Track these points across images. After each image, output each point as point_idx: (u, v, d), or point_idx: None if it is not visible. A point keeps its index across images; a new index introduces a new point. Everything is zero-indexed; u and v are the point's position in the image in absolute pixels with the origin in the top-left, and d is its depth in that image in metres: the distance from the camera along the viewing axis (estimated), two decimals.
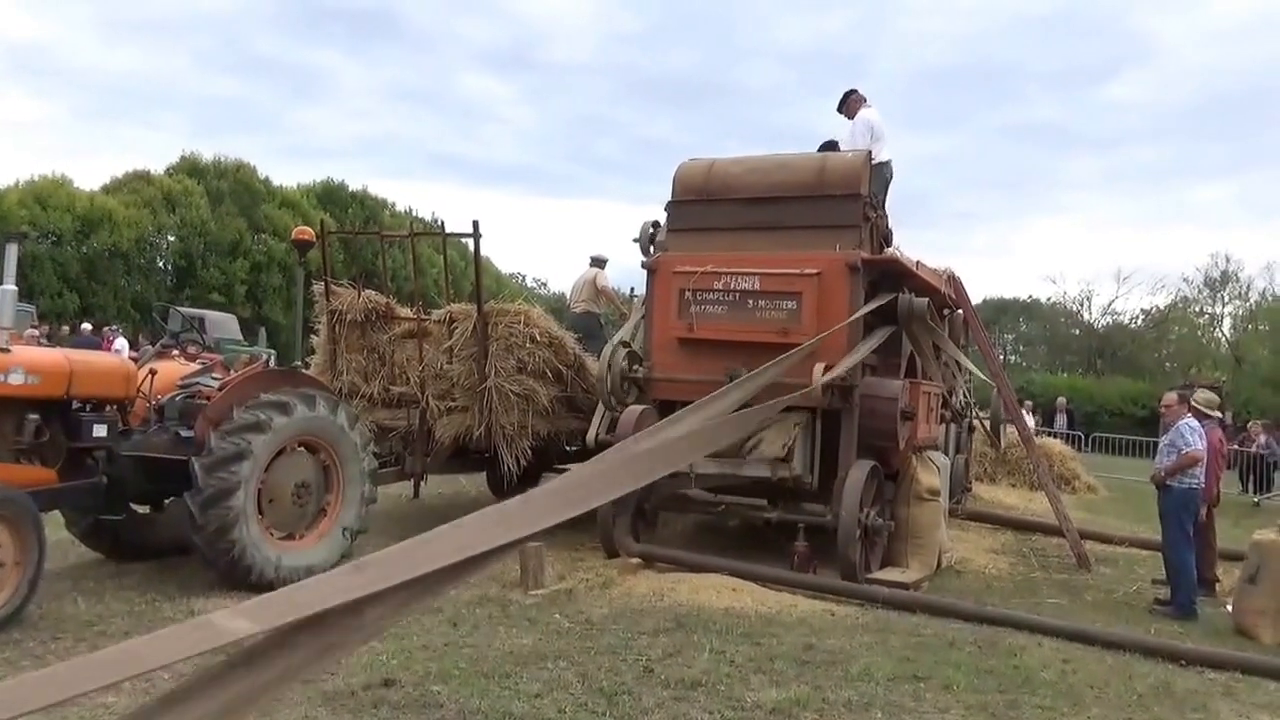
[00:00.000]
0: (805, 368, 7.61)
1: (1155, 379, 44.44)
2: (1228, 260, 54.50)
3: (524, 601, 6.84)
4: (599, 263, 13.31)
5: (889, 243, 9.27)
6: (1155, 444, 10.10)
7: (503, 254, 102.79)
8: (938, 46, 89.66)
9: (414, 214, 45.67)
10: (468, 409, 8.97)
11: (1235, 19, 78.91)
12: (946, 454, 10.85)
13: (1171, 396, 8.76)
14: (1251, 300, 53.64)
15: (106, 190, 39.10)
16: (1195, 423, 8.34)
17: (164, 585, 6.79)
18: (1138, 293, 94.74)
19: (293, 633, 1.89)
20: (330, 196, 44.40)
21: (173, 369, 7.51)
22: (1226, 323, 54.95)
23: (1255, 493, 20.57)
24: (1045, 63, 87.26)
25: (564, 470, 10.15)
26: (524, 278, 64.21)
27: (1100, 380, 47.68)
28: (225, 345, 19.59)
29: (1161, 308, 54.95)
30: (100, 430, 6.50)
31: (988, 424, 14.12)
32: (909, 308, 8.72)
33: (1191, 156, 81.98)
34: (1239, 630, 7.58)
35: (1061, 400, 28.55)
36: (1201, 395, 9.41)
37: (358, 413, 8.06)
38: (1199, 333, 54.32)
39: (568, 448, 10.02)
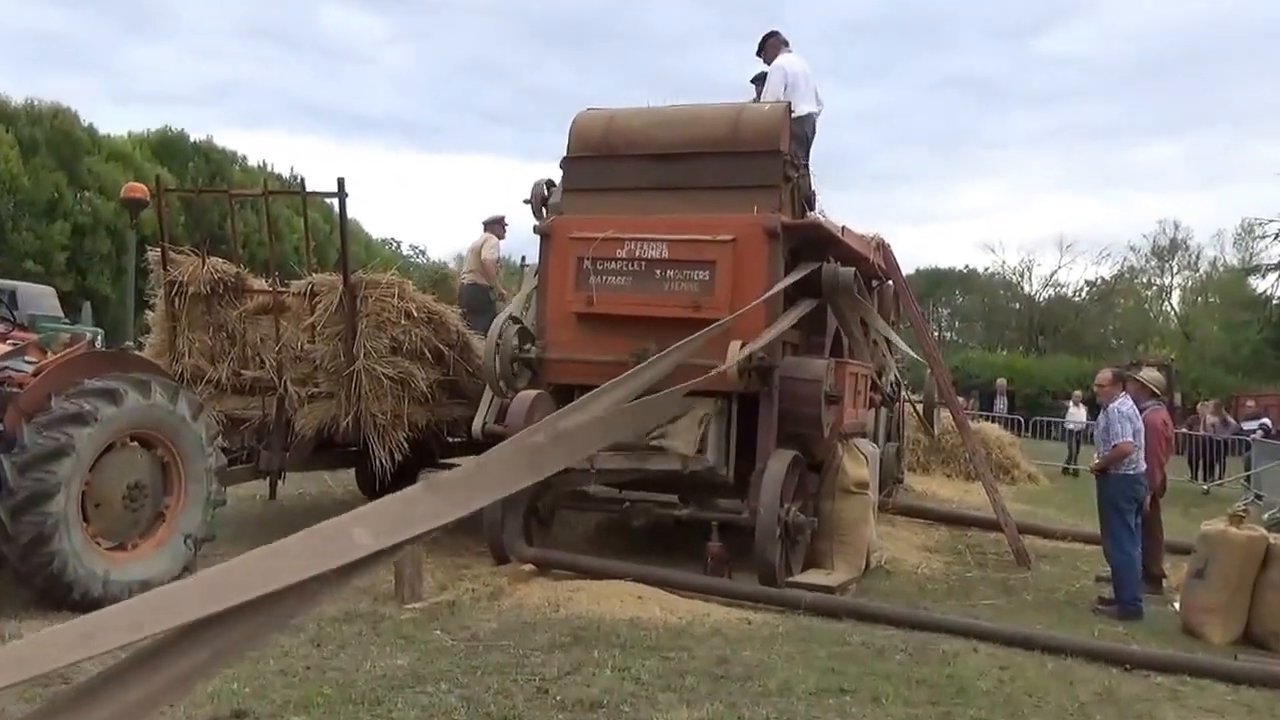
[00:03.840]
0: (719, 346, 7.66)
1: (1101, 356, 46.20)
2: (1176, 227, 57.02)
3: (399, 616, 6.77)
4: (493, 226, 13.21)
5: (812, 206, 9.40)
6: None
7: (373, 217, 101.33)
8: None
9: (269, 170, 44.52)
10: (333, 396, 8.87)
11: None
12: (876, 442, 11.09)
13: (1105, 375, 8.92)
14: (1201, 270, 56.19)
15: None
16: (1127, 405, 8.51)
17: None
18: (1081, 262, 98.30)
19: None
20: (168, 148, 42.97)
21: None
22: (1175, 295, 57.49)
23: (1204, 480, 21.57)
24: (978, 9, 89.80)
25: (447, 466, 10.15)
26: (398, 244, 63.30)
27: (1042, 359, 49.35)
28: (41, 323, 18.82)
29: (1107, 279, 57.18)
30: None
31: (921, 408, 14.46)
32: (834, 279, 8.84)
33: (1136, 114, 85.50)
34: (1187, 630, 7.93)
35: (1001, 381, 29.43)
36: (1148, 374, 9.80)
37: (202, 401, 7.88)
38: (1146, 306, 56.70)
39: (450, 439, 9.97)
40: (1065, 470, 21.64)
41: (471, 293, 12.94)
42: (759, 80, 10.54)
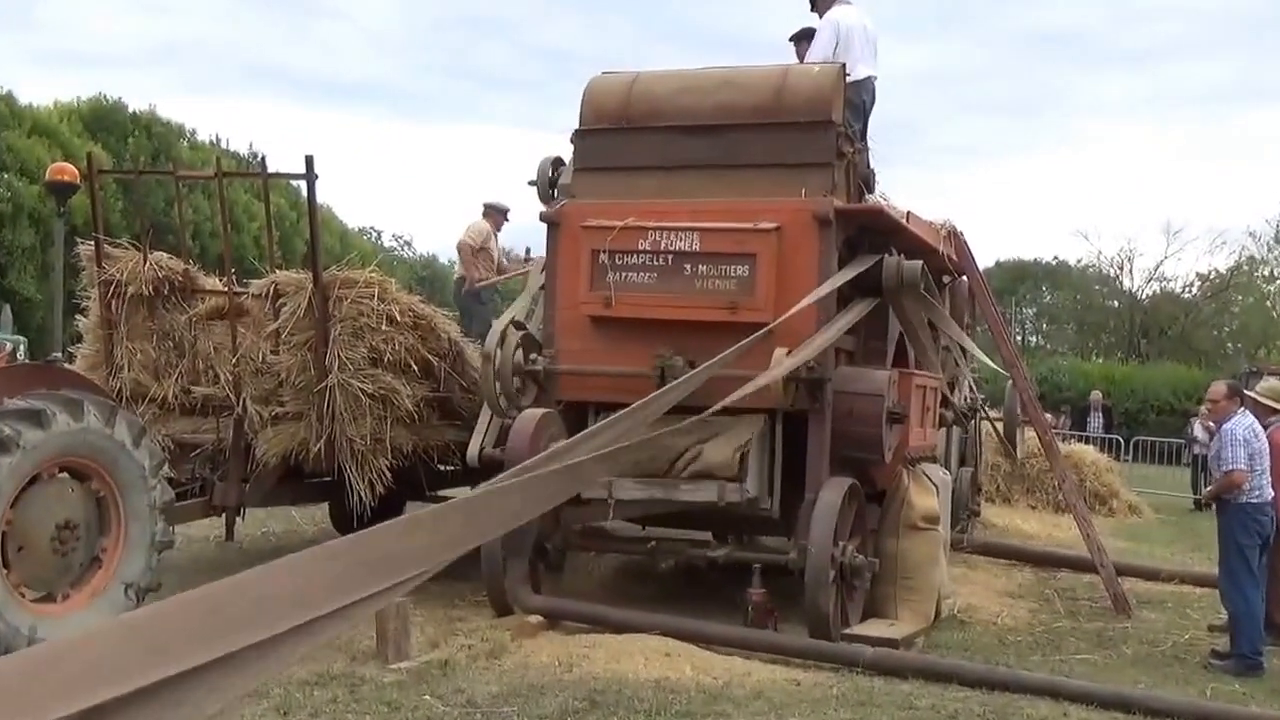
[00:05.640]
0: (761, 355, 7.66)
1: (1216, 365, 45.86)
2: None
3: (381, 679, 6.78)
4: (494, 213, 13.27)
5: (870, 188, 9.40)
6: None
7: (349, 202, 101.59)
8: None
9: (224, 146, 44.75)
10: (301, 416, 8.90)
11: None
12: (947, 468, 11.10)
13: (1219, 388, 8.94)
14: None
15: None
16: (1245, 425, 8.48)
17: None
18: (1192, 252, 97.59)
19: None
20: (102, 120, 43.16)
21: None
22: None
23: None
24: None
25: (437, 499, 10.15)
26: (379, 235, 63.56)
27: (1145, 367, 48.98)
28: None
29: (1222, 271, 56.69)
30: None
31: (1001, 427, 14.42)
32: (898, 274, 8.84)
33: (1257, 74, 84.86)
34: None
35: (1096, 395, 29.27)
36: (1265, 385, 9.76)
37: (145, 424, 7.93)
38: (1269, 303, 56.21)
39: (441, 467, 10.01)
40: (1196, 505, 21.34)
41: (462, 289, 13.01)
42: (801, 38, 10.56)
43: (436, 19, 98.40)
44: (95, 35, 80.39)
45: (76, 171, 9.58)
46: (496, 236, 13.52)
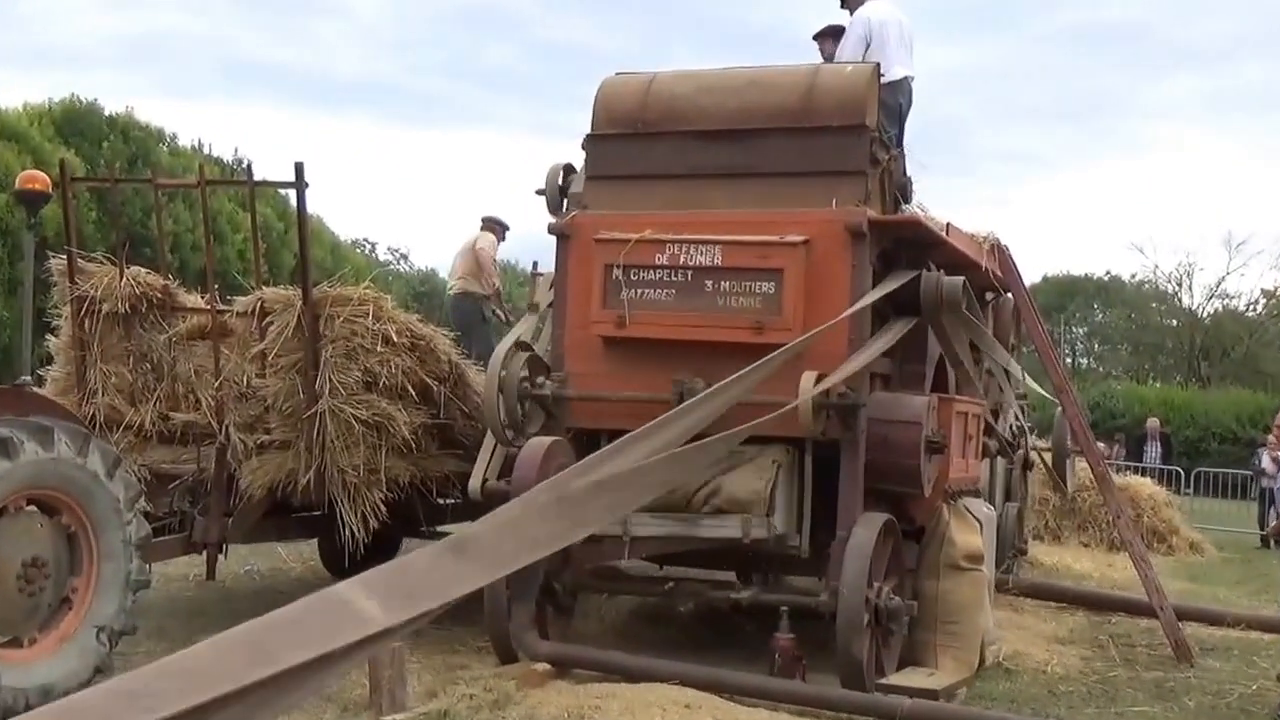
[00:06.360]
0: (788, 379, 7.64)
1: None
2: None
3: None
4: (492, 227, 13.31)
5: (907, 197, 9.37)
6: None
7: (341, 213, 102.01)
8: None
9: (207, 151, 44.99)
10: (289, 445, 8.88)
11: None
12: (992, 503, 11.03)
13: None
14: None
15: None
16: None
17: None
18: (1256, 266, 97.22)
19: None
20: (75, 124, 43.40)
21: None
22: None
23: None
24: None
25: (436, 535, 10.12)
26: (373, 247, 63.82)
27: (1206, 392, 48.87)
28: None
29: None
30: None
31: (1049, 457, 14.34)
32: (937, 291, 8.81)
33: None
34: None
35: (1153, 422, 29.20)
36: None
37: (120, 453, 7.91)
38: None
39: (441, 500, 10.01)
40: (1264, 543, 21.21)
41: (462, 306, 13.04)
42: (826, 35, 10.53)
43: (436, 14, 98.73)
44: (67, 31, 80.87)
45: (48, 179, 9.58)
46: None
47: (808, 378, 7.75)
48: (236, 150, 46.03)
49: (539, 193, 9.73)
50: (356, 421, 8.69)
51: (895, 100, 9.75)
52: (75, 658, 7.00)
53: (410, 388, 9.00)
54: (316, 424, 8.69)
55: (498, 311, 13.53)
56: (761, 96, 8.95)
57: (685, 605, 9.00)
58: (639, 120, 9.15)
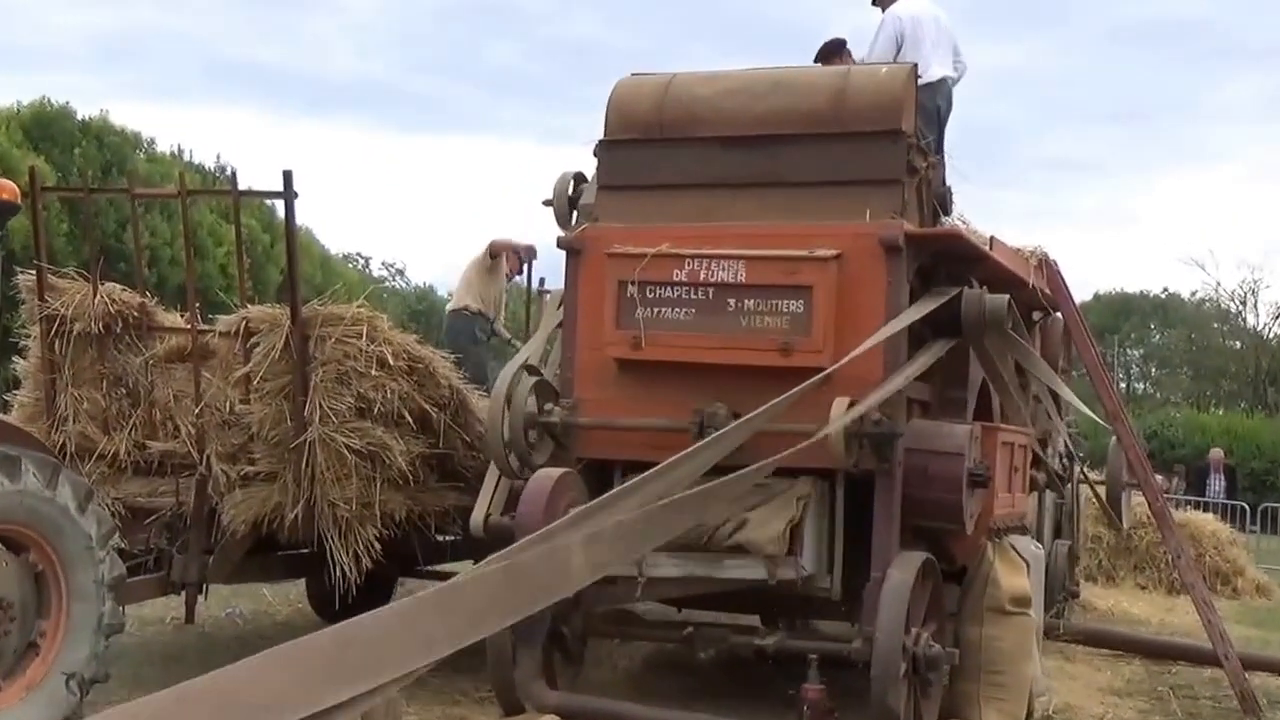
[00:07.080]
0: (818, 405, 7.61)
1: None
2: None
3: None
4: (505, 252, 13.33)
5: (947, 209, 9.34)
6: None
7: (333, 225, 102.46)
8: None
9: (187, 159, 45.29)
10: (276, 477, 8.84)
11: None
12: (1040, 541, 10.96)
13: None
14: None
15: None
16: None
17: None
18: None
19: None
20: (45, 128, 43.76)
21: None
22: None
23: None
24: None
25: (436, 575, 10.08)
26: (366, 262, 64.23)
27: (1274, 419, 48.78)
28: None
29: None
30: None
31: (1103, 491, 14.29)
32: (980, 310, 8.75)
33: None
34: None
35: (1216, 453, 29.15)
36: None
37: (93, 485, 7.89)
38: None
39: (440, 538, 9.99)
40: None
41: (454, 325, 13.05)
42: (832, 52, 10.48)
43: (432, 11, 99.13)
44: (36, 30, 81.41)
45: (16, 189, 9.58)
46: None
47: (839, 404, 7.69)
48: (219, 157, 46.46)
49: (546, 204, 9.72)
50: (349, 451, 8.65)
51: (933, 103, 9.75)
52: (43, 707, 6.96)
53: (407, 415, 8.96)
54: (305, 454, 8.65)
55: (498, 330, 13.56)
56: (789, 100, 8.93)
57: (705, 652, 8.93)
58: (656, 125, 9.14)
